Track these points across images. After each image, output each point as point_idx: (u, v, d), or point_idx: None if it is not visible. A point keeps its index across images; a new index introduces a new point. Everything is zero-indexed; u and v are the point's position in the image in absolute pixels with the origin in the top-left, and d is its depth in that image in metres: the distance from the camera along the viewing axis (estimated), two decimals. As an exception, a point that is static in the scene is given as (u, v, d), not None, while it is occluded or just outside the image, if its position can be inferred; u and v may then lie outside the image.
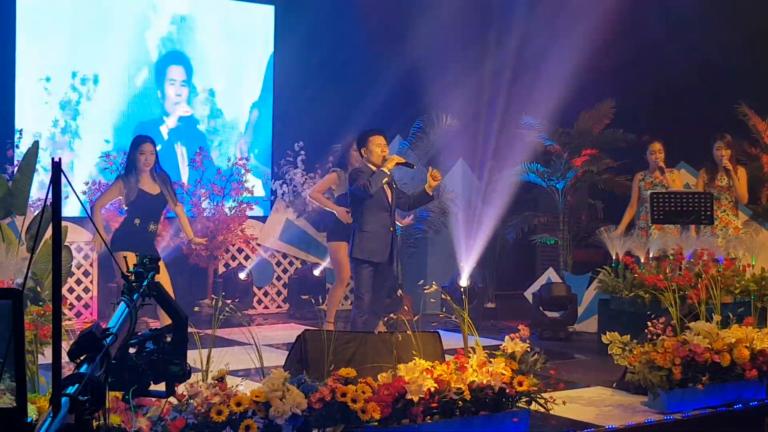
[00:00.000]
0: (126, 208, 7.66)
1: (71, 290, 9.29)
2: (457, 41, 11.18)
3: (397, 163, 7.29)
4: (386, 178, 7.21)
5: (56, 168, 2.02)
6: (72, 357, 2.13)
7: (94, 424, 2.01)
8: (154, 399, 4.46)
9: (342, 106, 11.16)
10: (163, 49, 10.92)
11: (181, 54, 11.04)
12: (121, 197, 7.61)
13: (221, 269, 10.32)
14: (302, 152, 10.80)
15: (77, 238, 9.11)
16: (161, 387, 2.56)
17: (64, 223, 6.74)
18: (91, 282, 9.44)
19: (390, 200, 7.36)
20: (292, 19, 11.57)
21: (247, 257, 10.55)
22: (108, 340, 2.17)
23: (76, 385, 2.01)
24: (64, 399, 1.90)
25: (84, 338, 2.15)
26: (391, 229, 7.36)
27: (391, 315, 7.39)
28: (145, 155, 7.56)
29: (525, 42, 11.14)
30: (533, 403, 5.45)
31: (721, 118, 10.43)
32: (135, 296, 2.48)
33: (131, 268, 2.62)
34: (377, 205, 7.30)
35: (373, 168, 7.23)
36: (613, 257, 8.11)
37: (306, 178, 10.74)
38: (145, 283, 2.55)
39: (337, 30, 11.53)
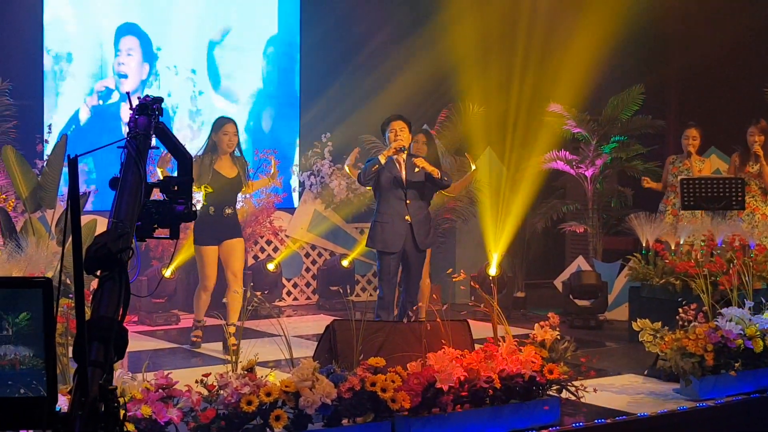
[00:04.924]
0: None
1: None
2: (483, 28, 11.13)
3: (396, 149, 7.11)
4: (376, 165, 7.06)
5: (72, 164, 2.03)
6: (88, 271, 2.12)
7: (122, 413, 2.01)
8: (184, 390, 4.49)
9: (369, 96, 11.15)
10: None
11: (133, 25, 10.47)
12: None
13: (250, 261, 10.35)
14: (329, 143, 10.80)
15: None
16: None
17: (93, 216, 6.79)
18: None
19: (406, 186, 7.19)
20: (318, 9, 11.56)
21: (276, 249, 10.57)
22: (125, 252, 2.16)
23: (105, 375, 2.02)
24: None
25: (99, 252, 2.14)
26: (407, 218, 7.14)
27: (420, 303, 7.38)
28: (228, 136, 7.47)
29: (552, 28, 11.07)
30: (564, 391, 5.43)
31: (751, 102, 10.32)
32: (137, 146, 2.42)
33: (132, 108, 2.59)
34: (390, 194, 7.17)
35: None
36: (644, 244, 8.06)
37: (334, 169, 10.74)
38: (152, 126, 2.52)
39: (364, 20, 11.50)
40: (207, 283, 7.56)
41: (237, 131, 7.59)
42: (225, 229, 7.49)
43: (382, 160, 7.07)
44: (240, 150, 7.66)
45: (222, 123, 7.58)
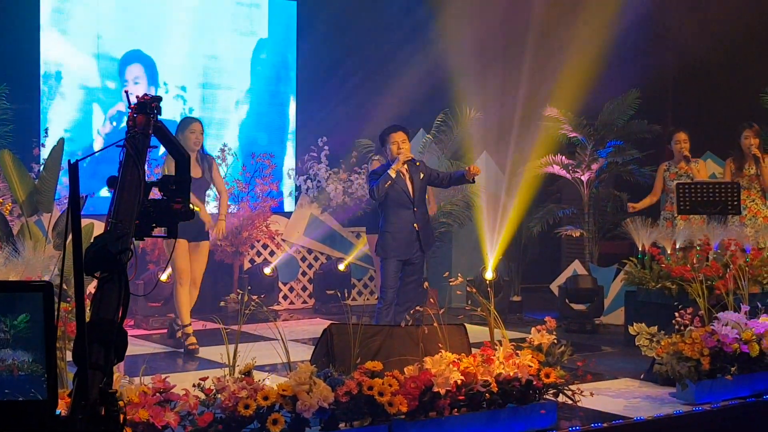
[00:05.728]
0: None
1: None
2: (480, 33, 11.15)
3: (405, 161, 7.31)
4: (389, 182, 7.25)
5: (73, 169, 2.03)
6: (88, 272, 2.12)
7: (121, 417, 2.01)
8: (182, 394, 4.49)
9: (365, 100, 11.16)
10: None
11: (135, 52, 10.58)
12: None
13: (246, 265, 10.35)
14: (326, 147, 10.80)
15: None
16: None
17: (90, 220, 6.77)
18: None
19: (413, 195, 7.37)
20: (315, 14, 11.56)
21: (272, 253, 10.57)
22: (124, 254, 2.15)
23: (105, 379, 2.02)
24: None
25: (99, 253, 2.14)
26: (415, 225, 7.37)
27: (417, 308, 7.41)
28: (195, 135, 7.55)
29: (548, 33, 11.09)
30: (560, 395, 5.43)
31: (747, 107, 10.35)
32: (138, 145, 2.43)
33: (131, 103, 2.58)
34: (397, 204, 7.37)
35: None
36: (639, 249, 8.06)
37: (330, 174, 10.75)
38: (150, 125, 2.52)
39: (361, 24, 11.51)
40: (182, 277, 7.64)
41: (203, 130, 7.69)
42: (193, 227, 7.42)
43: (393, 175, 7.26)
44: (204, 149, 7.80)
45: (188, 122, 7.70)
